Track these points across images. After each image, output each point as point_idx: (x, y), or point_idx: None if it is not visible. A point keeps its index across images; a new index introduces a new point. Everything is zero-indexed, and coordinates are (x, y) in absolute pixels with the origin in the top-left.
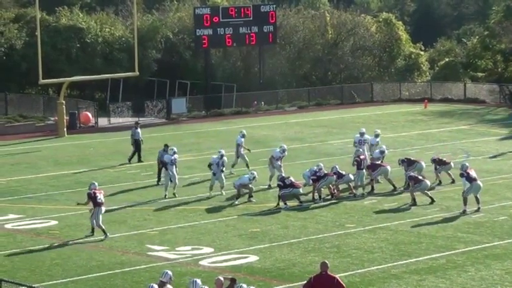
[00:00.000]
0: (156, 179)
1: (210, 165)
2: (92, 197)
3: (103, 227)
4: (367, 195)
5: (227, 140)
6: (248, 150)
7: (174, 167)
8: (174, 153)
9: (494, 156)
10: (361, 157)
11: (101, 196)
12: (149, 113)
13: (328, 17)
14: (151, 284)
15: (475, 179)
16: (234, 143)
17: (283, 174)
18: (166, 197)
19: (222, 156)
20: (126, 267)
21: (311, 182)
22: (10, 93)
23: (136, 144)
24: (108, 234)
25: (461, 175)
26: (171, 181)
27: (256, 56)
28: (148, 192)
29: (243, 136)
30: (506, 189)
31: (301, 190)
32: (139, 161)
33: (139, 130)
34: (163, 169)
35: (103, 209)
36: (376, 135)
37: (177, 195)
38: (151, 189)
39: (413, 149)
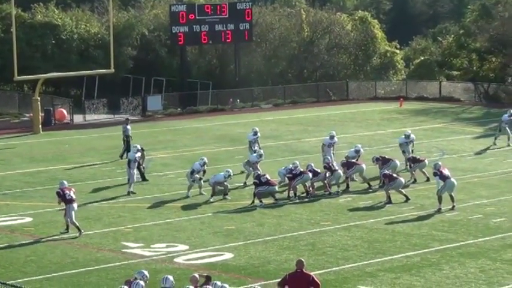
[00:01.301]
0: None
1: (192, 172)
2: (61, 195)
3: (77, 224)
4: (342, 193)
5: (202, 137)
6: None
7: (138, 164)
8: (138, 150)
9: (479, 153)
10: (328, 162)
11: (70, 193)
12: (124, 110)
13: (304, 14)
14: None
15: (448, 177)
16: (209, 140)
17: (259, 172)
18: (130, 194)
19: (204, 163)
20: (101, 264)
21: (286, 179)
22: None
23: (127, 138)
24: (82, 231)
25: (435, 174)
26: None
27: (232, 53)
28: (123, 189)
29: (255, 133)
30: (481, 187)
31: (276, 188)
32: (127, 151)
33: (129, 127)
34: (127, 166)
35: (75, 206)
36: (331, 137)
37: (134, 192)
38: (126, 187)
39: (388, 147)
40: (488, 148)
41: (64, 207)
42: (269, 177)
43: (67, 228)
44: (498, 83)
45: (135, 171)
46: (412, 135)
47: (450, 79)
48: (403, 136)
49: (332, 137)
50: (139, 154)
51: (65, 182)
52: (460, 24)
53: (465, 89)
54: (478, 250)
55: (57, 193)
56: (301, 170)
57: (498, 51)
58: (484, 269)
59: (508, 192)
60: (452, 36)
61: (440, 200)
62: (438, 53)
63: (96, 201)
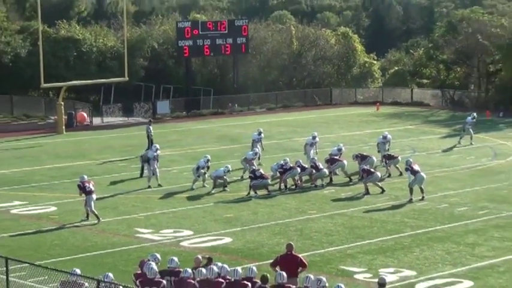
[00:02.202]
0: (140, 172)
1: (197, 168)
2: (82, 187)
3: (96, 212)
4: (326, 186)
5: (205, 137)
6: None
7: (156, 161)
8: (157, 149)
9: (446, 150)
10: (315, 162)
11: (90, 185)
12: (137, 113)
13: (293, 30)
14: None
15: (418, 172)
16: (211, 140)
17: (254, 167)
18: (151, 187)
19: (208, 160)
20: (116, 247)
21: (278, 174)
22: (15, 96)
23: (148, 137)
24: (100, 218)
25: (406, 169)
26: (153, 174)
27: (231, 64)
28: (136, 182)
29: (259, 134)
30: (447, 180)
31: (269, 181)
32: (148, 147)
33: (151, 127)
34: (146, 164)
35: (94, 196)
36: (313, 137)
37: (161, 185)
38: (139, 180)
39: (366, 146)
40: (454, 146)
41: (84, 198)
42: (263, 172)
43: (87, 216)
44: (462, 90)
45: (156, 166)
46: (389, 136)
47: (421, 86)
48: (381, 136)
49: (314, 137)
50: (158, 152)
51: (85, 176)
52: (429, 39)
53: (433, 95)
54: (444, 235)
55: (78, 186)
56: (291, 165)
57: (462, 62)
58: (450, 251)
59: (470, 185)
60: (423, 49)
61: (411, 191)
62: (410, 63)
63: (113, 193)
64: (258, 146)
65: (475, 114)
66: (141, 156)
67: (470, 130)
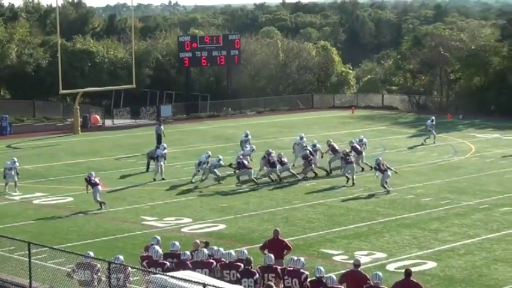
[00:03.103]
0: (146, 168)
1: (199, 163)
2: (88, 181)
3: (100, 200)
4: (309, 179)
5: (203, 136)
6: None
7: (163, 159)
8: (165, 148)
9: (412, 148)
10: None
11: (95, 179)
12: (143, 116)
13: (280, 44)
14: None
15: (386, 170)
16: (208, 139)
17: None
18: (156, 180)
19: (208, 156)
20: (125, 233)
21: (265, 168)
22: (37, 101)
23: (159, 136)
24: (103, 207)
25: (375, 168)
26: (159, 169)
27: (225, 73)
28: (142, 176)
29: (246, 135)
30: (414, 174)
31: (252, 171)
32: (158, 144)
33: (162, 127)
34: (153, 160)
35: (99, 188)
36: (301, 138)
37: (165, 179)
38: (145, 174)
39: (343, 144)
40: (420, 145)
41: (91, 190)
42: (246, 163)
43: (100, 206)
44: (426, 95)
45: (162, 163)
46: (365, 140)
47: (390, 92)
48: (358, 139)
49: (301, 138)
50: (165, 151)
51: (93, 173)
52: (397, 51)
53: (401, 100)
54: (411, 222)
55: (85, 179)
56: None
57: (426, 71)
58: (416, 236)
59: (434, 178)
60: (392, 60)
61: (384, 186)
62: (381, 72)
63: (122, 185)
64: (247, 146)
65: (433, 117)
66: (147, 153)
67: (433, 131)
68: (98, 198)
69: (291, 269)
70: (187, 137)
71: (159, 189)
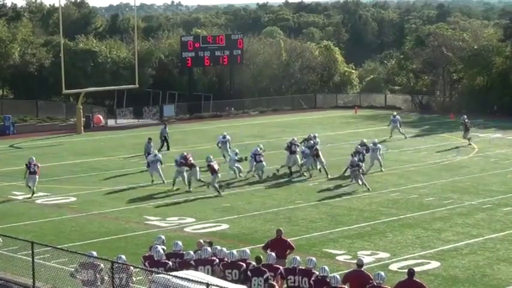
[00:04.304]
0: (146, 165)
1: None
2: (28, 167)
3: (34, 189)
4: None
5: (205, 136)
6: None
7: (159, 163)
8: (156, 155)
9: (416, 148)
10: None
11: (35, 168)
12: (146, 116)
13: (283, 43)
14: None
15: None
16: (210, 139)
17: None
18: (153, 182)
19: (236, 154)
20: (128, 233)
21: (255, 162)
22: (40, 100)
23: (165, 138)
24: (33, 196)
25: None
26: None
27: (228, 73)
28: (144, 176)
29: (224, 137)
30: (417, 174)
31: (216, 176)
32: (168, 149)
33: (167, 129)
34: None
35: (36, 177)
36: (314, 136)
37: (164, 182)
38: (147, 174)
39: (346, 143)
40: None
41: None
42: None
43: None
44: (429, 95)
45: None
46: (379, 145)
47: (393, 92)
48: (372, 144)
49: (307, 139)
50: (158, 157)
51: (33, 158)
52: (400, 51)
53: (404, 100)
54: (415, 222)
55: (26, 165)
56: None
57: (429, 71)
58: (419, 236)
59: (437, 178)
60: (395, 59)
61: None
62: (384, 72)
63: (125, 185)
64: (229, 149)
65: (395, 113)
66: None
67: (398, 127)
68: (31, 185)
69: (303, 268)
70: (190, 137)
71: (162, 189)
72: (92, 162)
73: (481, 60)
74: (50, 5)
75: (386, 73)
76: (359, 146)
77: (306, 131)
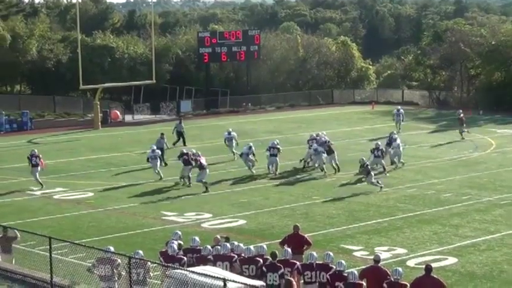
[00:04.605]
0: (163, 163)
1: (241, 155)
2: (29, 159)
3: (40, 181)
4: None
5: (222, 132)
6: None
7: (157, 160)
8: (153, 150)
9: (433, 144)
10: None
11: (36, 160)
12: (163, 112)
13: (299, 39)
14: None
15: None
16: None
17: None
18: (162, 178)
19: (250, 147)
20: (145, 228)
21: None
22: (58, 96)
23: (181, 133)
24: (42, 187)
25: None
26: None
27: (245, 68)
28: (163, 172)
29: (229, 133)
30: (434, 170)
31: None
32: (184, 144)
33: (182, 124)
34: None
35: (38, 169)
36: (317, 135)
37: (162, 178)
38: (165, 169)
39: (363, 139)
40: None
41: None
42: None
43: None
44: (447, 91)
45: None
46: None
47: (410, 88)
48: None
49: (317, 134)
50: (156, 153)
51: (36, 151)
52: (417, 46)
53: (422, 95)
54: (432, 218)
55: (27, 157)
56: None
57: (447, 67)
58: (436, 232)
59: (454, 174)
60: (412, 55)
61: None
62: (401, 68)
63: (142, 181)
64: (234, 144)
65: (399, 107)
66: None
67: (400, 121)
68: (38, 179)
69: (320, 262)
70: (206, 133)
71: (178, 184)
72: (109, 158)
73: (498, 56)
74: (67, 0)
75: (404, 69)
76: (378, 143)
77: (323, 126)
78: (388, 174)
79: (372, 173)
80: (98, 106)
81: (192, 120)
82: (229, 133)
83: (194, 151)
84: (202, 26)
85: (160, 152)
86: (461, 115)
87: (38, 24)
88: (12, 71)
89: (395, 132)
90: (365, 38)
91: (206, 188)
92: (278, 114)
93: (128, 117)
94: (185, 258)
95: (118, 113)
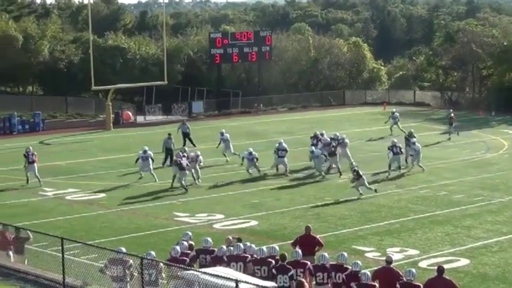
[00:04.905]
0: (163, 161)
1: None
2: (26, 157)
3: (39, 177)
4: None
5: (233, 133)
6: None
7: (149, 160)
8: (145, 151)
9: (444, 145)
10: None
11: (32, 157)
12: (175, 112)
13: (311, 40)
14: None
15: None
16: (239, 136)
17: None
18: (157, 181)
19: (250, 153)
20: (158, 229)
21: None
22: (70, 97)
23: (187, 134)
24: (41, 183)
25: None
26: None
27: (256, 69)
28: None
29: (222, 134)
30: (446, 171)
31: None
32: (194, 145)
33: (187, 125)
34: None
35: (35, 165)
36: (321, 134)
37: (157, 180)
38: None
39: (374, 140)
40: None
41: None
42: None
43: (27, 181)
44: (459, 91)
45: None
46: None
47: (422, 89)
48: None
49: (322, 134)
50: (148, 154)
51: (31, 148)
52: (429, 47)
53: (433, 96)
54: (444, 219)
55: (24, 155)
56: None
57: (459, 68)
58: (448, 233)
59: (466, 175)
60: (424, 56)
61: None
62: (413, 69)
63: (154, 181)
64: (230, 146)
65: (394, 109)
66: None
67: (397, 123)
68: (29, 175)
69: (334, 263)
70: (218, 134)
71: (190, 185)
72: (121, 159)
73: (510, 57)
74: (79, 1)
75: (415, 69)
76: (394, 140)
77: (335, 127)
78: (406, 172)
79: (364, 177)
80: (110, 107)
81: (204, 121)
82: (222, 134)
83: (193, 154)
84: (213, 27)
85: (152, 154)
86: (452, 115)
87: (50, 25)
88: (25, 71)
89: (405, 133)
90: (376, 39)
91: (185, 189)
92: (290, 115)
93: (140, 118)
94: (187, 260)
95: (130, 113)
